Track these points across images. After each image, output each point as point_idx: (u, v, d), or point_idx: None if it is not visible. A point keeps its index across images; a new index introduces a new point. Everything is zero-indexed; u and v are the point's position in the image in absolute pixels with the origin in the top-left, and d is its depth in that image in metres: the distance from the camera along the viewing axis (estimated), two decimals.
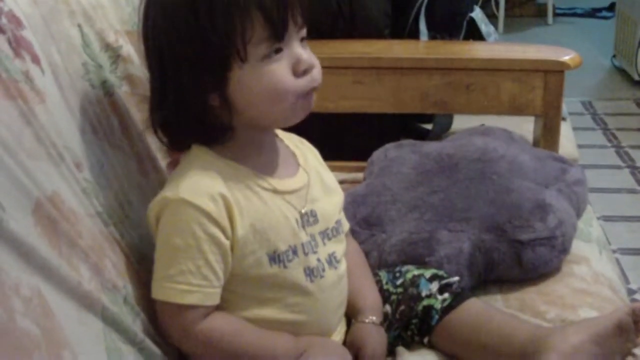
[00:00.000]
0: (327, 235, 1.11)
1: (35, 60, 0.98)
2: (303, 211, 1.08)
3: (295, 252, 1.06)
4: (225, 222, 1.00)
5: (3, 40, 0.93)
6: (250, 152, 1.07)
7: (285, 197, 1.07)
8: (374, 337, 1.13)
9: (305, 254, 1.07)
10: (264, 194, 1.05)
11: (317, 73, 1.04)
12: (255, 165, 1.06)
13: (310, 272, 1.07)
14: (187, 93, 1.01)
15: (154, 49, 1.04)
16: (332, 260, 1.10)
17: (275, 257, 1.04)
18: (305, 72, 1.02)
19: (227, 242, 1.01)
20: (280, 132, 1.15)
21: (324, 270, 1.08)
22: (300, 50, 1.02)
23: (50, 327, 0.81)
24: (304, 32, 1.03)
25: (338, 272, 1.11)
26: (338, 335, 1.14)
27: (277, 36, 0.99)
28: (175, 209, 1.00)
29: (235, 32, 0.97)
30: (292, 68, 1.01)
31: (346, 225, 1.20)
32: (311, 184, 1.11)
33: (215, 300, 1.02)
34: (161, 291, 1.01)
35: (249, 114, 1.03)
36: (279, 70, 1.00)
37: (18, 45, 0.95)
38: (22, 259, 0.81)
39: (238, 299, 1.04)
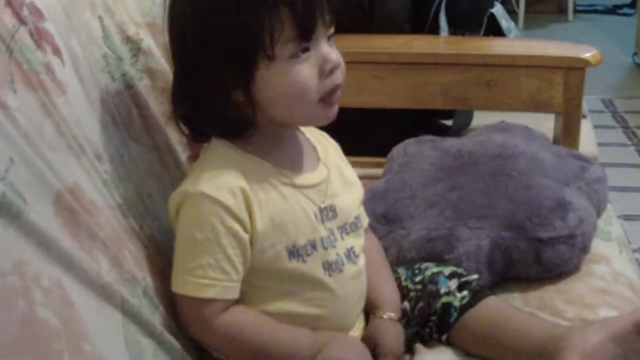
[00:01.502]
0: (345, 229, 1.10)
1: (56, 52, 0.99)
2: (322, 206, 1.08)
3: (314, 247, 1.05)
4: (244, 216, 1.00)
5: (25, 31, 0.93)
6: (271, 146, 1.07)
7: (304, 192, 1.07)
8: (392, 333, 1.13)
9: (324, 249, 1.06)
10: (283, 189, 1.05)
11: (340, 72, 1.03)
12: (276, 160, 1.06)
13: (329, 267, 1.07)
14: (211, 87, 1.01)
15: (179, 39, 1.04)
16: (350, 254, 1.10)
17: (294, 252, 1.04)
18: (332, 71, 1.01)
19: (246, 236, 1.01)
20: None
21: (342, 264, 1.08)
22: (328, 49, 1.01)
23: (70, 318, 0.81)
24: (332, 30, 1.03)
25: (357, 266, 1.11)
26: (357, 331, 1.13)
27: (305, 35, 0.99)
28: (195, 203, 1.00)
29: (264, 30, 0.97)
30: (319, 68, 1.01)
31: (365, 220, 1.20)
32: (331, 178, 1.11)
33: (235, 294, 1.02)
34: (181, 285, 1.01)
35: (272, 112, 1.03)
36: (305, 70, 1.00)
37: (39, 37, 0.96)
38: (43, 250, 0.81)
39: (257, 292, 1.04)
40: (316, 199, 1.08)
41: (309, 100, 1.01)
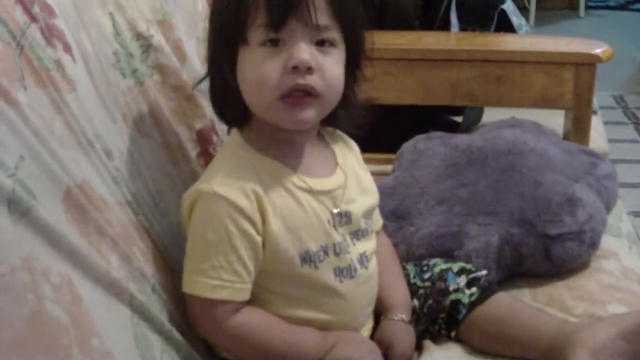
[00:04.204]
0: (357, 235, 1.10)
1: (67, 48, 0.99)
2: (336, 211, 1.07)
3: (326, 253, 1.05)
4: (257, 218, 1.00)
5: (35, 28, 0.93)
6: (287, 149, 1.06)
7: (319, 197, 1.06)
8: (404, 335, 1.13)
9: (337, 255, 1.06)
10: (298, 193, 1.04)
11: (313, 77, 0.99)
12: (292, 163, 1.06)
13: (340, 273, 1.07)
14: (211, 66, 1.06)
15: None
16: (363, 259, 1.10)
17: (306, 258, 1.04)
18: (296, 69, 0.99)
19: (259, 238, 1.01)
20: (323, 128, 1.14)
21: (355, 270, 1.08)
22: (301, 48, 0.98)
23: (79, 314, 0.82)
24: (325, 35, 1.00)
25: (369, 271, 1.11)
26: (366, 331, 1.13)
27: (274, 25, 0.98)
28: (208, 202, 1.00)
29: (242, 12, 0.99)
30: (284, 63, 0.99)
31: (379, 223, 1.20)
32: (348, 184, 1.10)
33: (246, 296, 1.02)
34: (192, 285, 1.01)
35: (248, 102, 1.04)
36: (269, 62, 0.99)
37: (50, 34, 0.96)
38: (52, 246, 0.81)
39: (268, 295, 1.04)
40: (330, 205, 1.07)
41: (267, 94, 1.00)
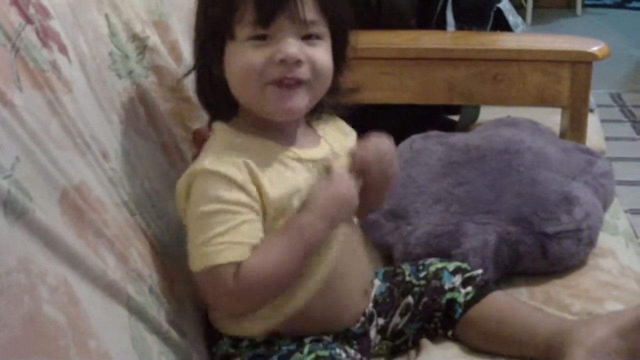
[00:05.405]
0: None
1: (63, 50, 0.99)
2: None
3: None
4: (251, 187, 1.01)
5: (31, 30, 0.93)
6: (270, 126, 1.07)
7: (309, 166, 1.08)
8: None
9: None
10: (290, 163, 1.06)
11: (301, 69, 1.02)
12: (279, 137, 1.07)
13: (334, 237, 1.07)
14: (198, 59, 1.08)
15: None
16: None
17: None
18: (283, 62, 1.01)
19: (256, 204, 1.02)
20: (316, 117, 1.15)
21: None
22: (289, 42, 1.01)
23: (76, 316, 0.82)
24: (312, 29, 1.03)
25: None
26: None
27: (262, 21, 1.00)
28: (201, 180, 1.02)
29: (230, 9, 1.01)
30: (270, 55, 1.01)
31: None
32: (338, 157, 1.11)
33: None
34: (198, 259, 1.00)
35: (235, 96, 1.05)
36: (254, 54, 1.01)
37: (46, 35, 0.96)
38: (49, 248, 0.81)
39: None
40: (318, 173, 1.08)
41: (253, 81, 1.02)
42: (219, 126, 1.09)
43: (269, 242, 1.02)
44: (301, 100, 1.04)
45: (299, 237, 1.02)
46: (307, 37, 1.03)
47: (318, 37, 1.04)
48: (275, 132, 1.08)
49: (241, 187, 1.01)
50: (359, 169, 1.09)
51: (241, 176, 1.01)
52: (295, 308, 1.06)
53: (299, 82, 1.02)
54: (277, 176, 1.04)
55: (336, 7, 1.06)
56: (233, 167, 1.01)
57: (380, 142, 1.14)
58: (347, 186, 1.06)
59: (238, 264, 0.99)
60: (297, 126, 1.11)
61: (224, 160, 1.02)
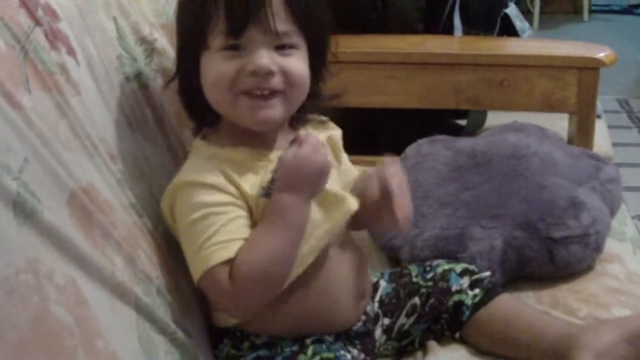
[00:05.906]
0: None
1: (71, 52, 0.99)
2: None
3: None
4: (230, 188, 1.02)
5: (40, 32, 0.94)
6: (251, 133, 1.07)
7: None
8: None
9: None
10: (267, 168, 1.05)
11: (275, 80, 1.01)
12: (258, 144, 1.07)
13: None
14: (178, 68, 1.09)
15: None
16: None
17: None
18: (255, 73, 1.00)
19: (238, 201, 1.02)
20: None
21: None
22: (261, 54, 1.01)
23: (84, 316, 0.82)
24: (285, 40, 1.02)
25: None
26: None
27: (233, 32, 1.00)
28: (182, 192, 1.03)
29: (204, 19, 1.01)
30: (241, 65, 1.01)
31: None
32: None
33: None
34: (197, 267, 1.00)
35: (212, 104, 1.05)
36: (225, 63, 1.01)
37: (54, 38, 0.96)
38: (57, 249, 0.82)
39: None
40: None
41: (225, 90, 1.02)
42: (196, 143, 1.10)
43: (254, 234, 1.02)
44: (275, 111, 1.03)
45: (281, 219, 1.01)
46: (281, 47, 1.02)
47: (292, 46, 1.03)
48: (256, 139, 1.07)
49: (221, 189, 1.01)
50: (384, 184, 1.10)
51: (219, 180, 1.02)
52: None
53: (273, 93, 1.02)
54: (254, 179, 1.04)
55: (311, 15, 1.05)
56: (210, 174, 1.02)
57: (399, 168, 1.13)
58: (313, 148, 1.03)
59: (231, 262, 0.99)
60: (278, 132, 1.10)
61: (200, 171, 1.03)
